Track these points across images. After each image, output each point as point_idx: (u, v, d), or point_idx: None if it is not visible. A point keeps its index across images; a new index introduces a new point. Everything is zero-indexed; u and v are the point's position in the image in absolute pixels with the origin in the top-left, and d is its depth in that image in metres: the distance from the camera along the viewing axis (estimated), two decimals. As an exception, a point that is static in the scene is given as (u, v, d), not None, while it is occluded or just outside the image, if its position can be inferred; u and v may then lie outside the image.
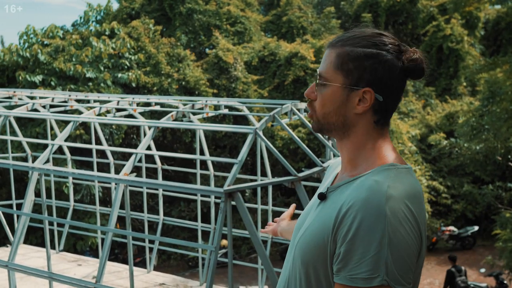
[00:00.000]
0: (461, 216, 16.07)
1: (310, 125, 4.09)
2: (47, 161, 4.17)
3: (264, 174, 5.49)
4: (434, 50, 20.90)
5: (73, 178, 7.05)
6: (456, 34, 20.35)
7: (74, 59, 13.76)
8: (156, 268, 6.56)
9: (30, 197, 4.01)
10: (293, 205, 1.97)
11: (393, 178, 1.22)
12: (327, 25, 20.73)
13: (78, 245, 12.53)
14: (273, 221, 2.04)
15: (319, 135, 4.59)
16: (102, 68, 13.96)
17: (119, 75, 14.10)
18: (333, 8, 21.45)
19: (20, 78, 13.00)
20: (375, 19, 21.71)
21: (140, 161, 6.08)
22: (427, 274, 13.51)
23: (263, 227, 5.73)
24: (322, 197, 1.34)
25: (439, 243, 15.21)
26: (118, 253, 13.46)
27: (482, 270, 13.39)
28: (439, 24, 20.64)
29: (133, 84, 14.19)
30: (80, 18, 17.66)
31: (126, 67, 14.60)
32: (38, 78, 13.17)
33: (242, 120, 14.07)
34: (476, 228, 15.25)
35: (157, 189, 6.33)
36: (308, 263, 1.28)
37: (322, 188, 1.46)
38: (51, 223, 6.82)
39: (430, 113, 18.61)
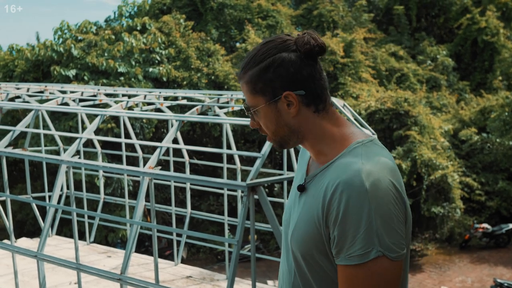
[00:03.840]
0: (496, 213, 15.68)
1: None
2: (76, 154, 4.25)
3: (291, 169, 5.47)
4: (469, 44, 20.39)
5: (104, 171, 7.17)
6: (491, 27, 19.79)
7: (106, 54, 13.99)
8: (185, 261, 6.65)
9: (58, 190, 4.09)
10: None
11: (364, 155, 1.27)
12: (359, 19, 20.47)
13: (110, 237, 12.76)
14: None
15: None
16: (133, 63, 14.14)
17: (150, 69, 14.26)
18: (364, 1, 21.16)
19: (55, 72, 13.30)
20: (407, 12, 21.32)
21: (167, 154, 6.15)
22: (459, 272, 13.27)
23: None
24: (302, 188, 1.39)
25: (472, 240, 14.90)
26: (148, 246, 13.64)
27: (517, 268, 13.08)
28: (473, 16, 20.11)
29: (164, 79, 14.33)
30: (114, 13, 17.99)
31: (156, 61, 14.75)
32: (71, 73, 13.44)
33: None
34: (511, 225, 14.86)
35: (184, 183, 6.38)
36: (307, 254, 1.33)
37: (298, 178, 1.49)
38: (81, 215, 6.96)
39: (464, 108, 18.20)
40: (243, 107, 1.42)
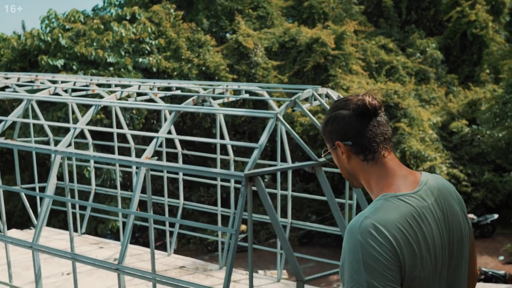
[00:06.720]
0: (481, 204, 15.89)
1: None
2: (69, 144, 4.22)
3: (283, 159, 5.47)
4: (458, 37, 20.51)
5: (94, 162, 7.12)
6: (480, 20, 19.91)
7: (95, 44, 13.85)
8: (175, 252, 6.64)
9: (53, 180, 4.06)
10: None
11: (375, 207, 1.49)
12: (349, 11, 20.46)
13: (99, 228, 12.72)
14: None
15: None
16: (123, 53, 14.02)
17: (140, 60, 14.15)
18: (355, -7, 21.15)
19: (43, 62, 13.14)
20: (397, 5, 21.35)
21: (160, 145, 6.12)
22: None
23: (282, 212, 5.76)
24: None
25: (459, 231, 15.06)
26: (138, 237, 13.64)
27: (501, 257, 13.28)
28: (463, 9, 20.21)
29: (154, 69, 14.24)
30: (104, 2, 17.76)
31: (146, 52, 14.65)
32: (60, 62, 13.29)
33: (262, 105, 14.04)
34: (495, 216, 15.08)
35: (177, 174, 6.37)
36: None
37: None
38: (73, 206, 6.92)
39: (452, 100, 18.34)
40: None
